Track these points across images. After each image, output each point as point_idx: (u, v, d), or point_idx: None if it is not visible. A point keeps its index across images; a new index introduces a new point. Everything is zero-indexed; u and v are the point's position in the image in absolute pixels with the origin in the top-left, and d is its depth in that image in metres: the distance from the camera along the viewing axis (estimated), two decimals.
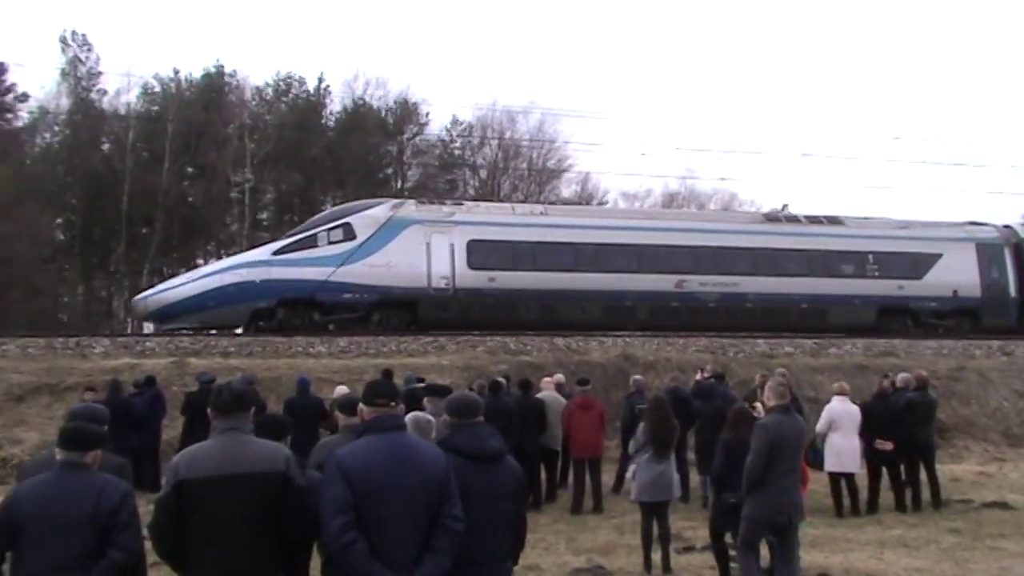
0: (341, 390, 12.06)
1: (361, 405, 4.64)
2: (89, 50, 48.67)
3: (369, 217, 24.32)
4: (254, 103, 52.12)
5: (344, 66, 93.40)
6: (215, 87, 50.92)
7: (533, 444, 12.57)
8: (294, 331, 22.21)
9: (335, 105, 54.58)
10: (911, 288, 26.83)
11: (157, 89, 49.91)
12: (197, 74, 51.09)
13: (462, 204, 26.72)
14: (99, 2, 74.86)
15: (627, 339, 22.42)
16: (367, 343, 21.17)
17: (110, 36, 78.44)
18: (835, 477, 12.40)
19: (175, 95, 49.08)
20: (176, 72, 50.47)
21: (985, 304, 27.28)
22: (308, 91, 53.81)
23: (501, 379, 13.78)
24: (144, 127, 47.57)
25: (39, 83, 75.14)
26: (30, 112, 48.60)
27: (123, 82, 49.14)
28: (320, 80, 53.87)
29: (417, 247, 23.89)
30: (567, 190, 57.53)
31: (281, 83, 53.22)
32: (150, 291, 25.20)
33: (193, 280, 24.13)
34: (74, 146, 47.38)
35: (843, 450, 12.27)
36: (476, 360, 19.86)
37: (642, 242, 25.33)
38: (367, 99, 54.10)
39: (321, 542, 4.30)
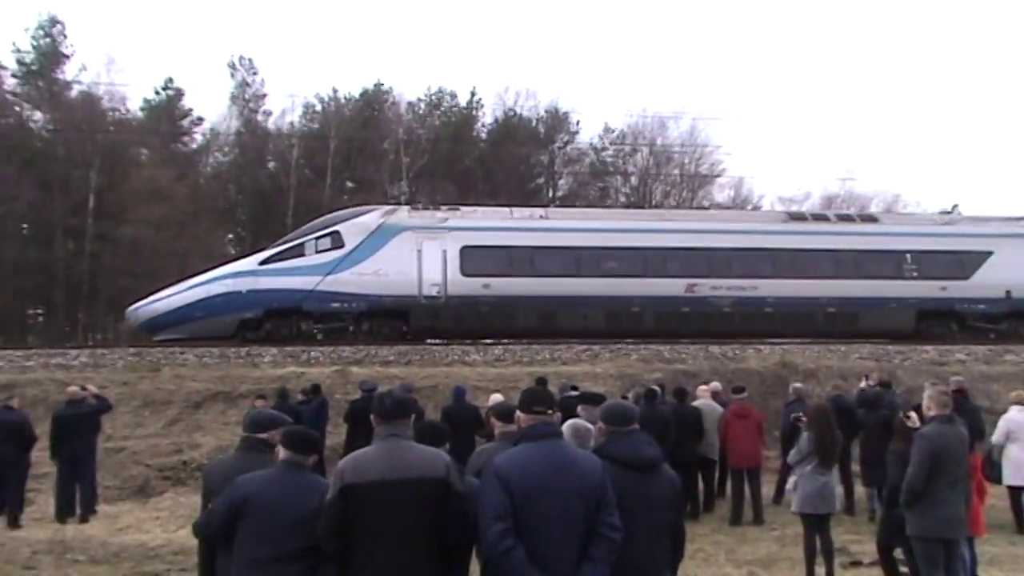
0: (496, 398, 12.17)
1: (518, 412, 4.68)
2: (255, 74, 51.27)
3: (358, 225, 24.05)
4: (409, 118, 53.50)
5: (495, 78, 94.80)
6: (372, 104, 52.58)
7: (690, 453, 12.39)
8: (282, 341, 22.19)
9: (487, 117, 55.59)
10: (955, 289, 25.14)
11: (318, 108, 51.98)
12: (355, 92, 53.01)
13: (458, 209, 25.92)
14: (264, 28, 78.63)
15: (785, 346, 21.86)
16: (521, 351, 21.35)
17: (274, 59, 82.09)
18: (1015, 491, 11.72)
19: (335, 113, 50.96)
20: (335, 91, 52.52)
21: None
22: (459, 104, 54.89)
23: (656, 387, 13.66)
24: (307, 145, 49.58)
25: (211, 106, 79.58)
26: (203, 135, 51.68)
27: (287, 102, 51.50)
28: (472, 93, 54.96)
29: (407, 254, 23.51)
30: (720, 195, 56.74)
31: (433, 97, 54.47)
32: (141, 302, 24.82)
33: (181, 291, 23.90)
34: (242, 164, 49.90)
35: (1023, 463, 11.58)
36: (630, 368, 19.72)
37: (649, 245, 24.35)
38: (518, 110, 54.81)
39: (479, 548, 4.36)
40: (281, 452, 4.82)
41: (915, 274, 25.20)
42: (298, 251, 23.68)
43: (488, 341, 23.26)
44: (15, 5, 70.60)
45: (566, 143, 55.81)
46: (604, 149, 56.25)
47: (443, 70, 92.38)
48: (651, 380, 17.07)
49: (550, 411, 4.57)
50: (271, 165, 50.65)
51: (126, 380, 18.24)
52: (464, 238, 23.85)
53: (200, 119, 51.31)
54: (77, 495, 12.97)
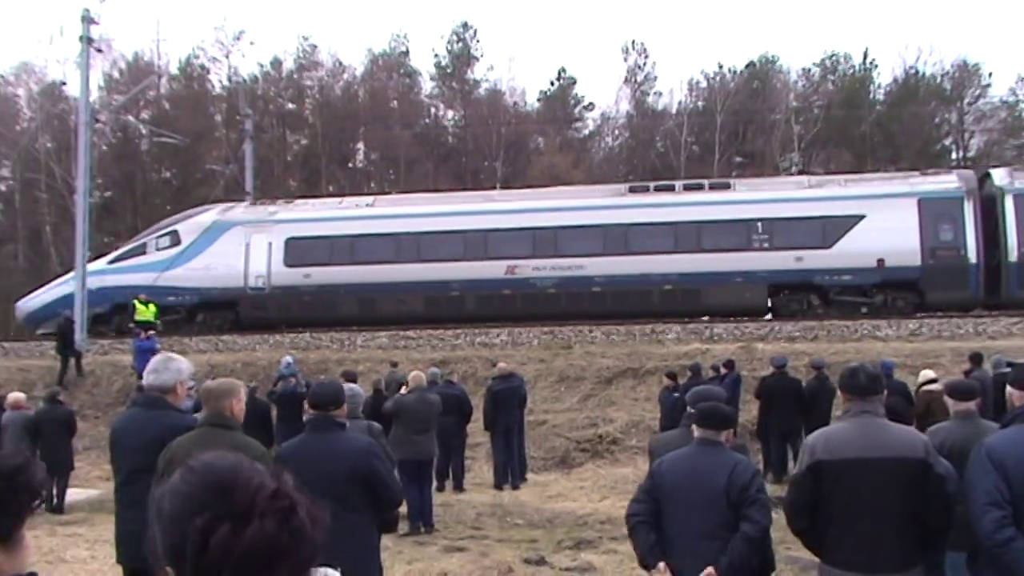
0: (927, 374, 11.56)
1: (1010, 389, 4.32)
2: (646, 57, 52.29)
3: (194, 223, 25.40)
4: (800, 85, 51.79)
5: (892, 36, 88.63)
6: (759, 75, 51.58)
7: None
8: (128, 334, 22.35)
9: (884, 77, 52.32)
10: (814, 259, 22.19)
11: (703, 85, 51.91)
12: (740, 65, 52.29)
13: (292, 202, 27.01)
14: (651, 10, 79.79)
15: None
16: (938, 324, 20.08)
17: (661, 40, 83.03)
18: None
19: (721, 88, 50.59)
20: (720, 66, 52.12)
21: (928, 274, 22.07)
22: (854, 67, 52.12)
23: None
24: (695, 121, 49.72)
25: (600, 92, 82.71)
26: (593, 120, 53.89)
27: (675, 82, 51.96)
28: (865, 55, 51.93)
29: (236, 248, 24.47)
30: None
31: (826, 62, 52.19)
32: (26, 298, 26.81)
33: (50, 289, 25.87)
34: (632, 146, 51.18)
35: None
36: None
37: (468, 228, 23.77)
38: (919, 67, 50.92)
39: (975, 537, 4.04)
40: (695, 430, 4.82)
41: (766, 245, 22.31)
42: (141, 250, 25.62)
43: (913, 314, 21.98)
44: (433, 16, 77.95)
45: (977, 98, 50.95)
46: (1020, 102, 50.64)
47: (835, 34, 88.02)
48: None
49: None
50: (660, 145, 51.41)
51: (542, 357, 19.41)
52: (289, 230, 24.66)
53: (591, 105, 53.57)
54: (509, 464, 14.01)
